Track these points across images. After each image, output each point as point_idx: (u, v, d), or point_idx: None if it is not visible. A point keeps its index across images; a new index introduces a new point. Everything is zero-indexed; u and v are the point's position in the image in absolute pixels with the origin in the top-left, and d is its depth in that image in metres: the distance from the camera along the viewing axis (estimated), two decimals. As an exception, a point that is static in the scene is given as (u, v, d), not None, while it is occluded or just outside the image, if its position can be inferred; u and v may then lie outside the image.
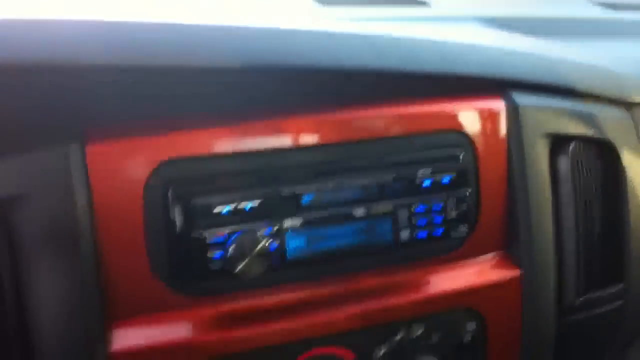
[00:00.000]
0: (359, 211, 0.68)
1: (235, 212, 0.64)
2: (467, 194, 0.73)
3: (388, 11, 1.08)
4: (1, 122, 0.61)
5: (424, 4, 1.16)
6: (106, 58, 0.59)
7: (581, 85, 0.82)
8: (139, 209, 0.63)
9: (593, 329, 0.84)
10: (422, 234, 0.71)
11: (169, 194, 0.63)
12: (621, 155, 0.83)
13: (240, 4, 1.06)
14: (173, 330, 0.65)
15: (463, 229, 0.73)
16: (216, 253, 0.64)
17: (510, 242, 0.77)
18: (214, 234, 0.64)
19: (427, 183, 0.71)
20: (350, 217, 0.68)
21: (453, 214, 0.72)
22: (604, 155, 0.83)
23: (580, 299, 0.81)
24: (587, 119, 0.81)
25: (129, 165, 0.62)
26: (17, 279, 0.61)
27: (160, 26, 0.64)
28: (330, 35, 0.70)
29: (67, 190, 0.60)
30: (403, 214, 0.70)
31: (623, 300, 0.85)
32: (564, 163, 0.79)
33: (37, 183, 0.60)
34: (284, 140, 0.67)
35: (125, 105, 0.64)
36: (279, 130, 0.66)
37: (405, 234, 0.70)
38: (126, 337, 0.63)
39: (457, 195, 0.73)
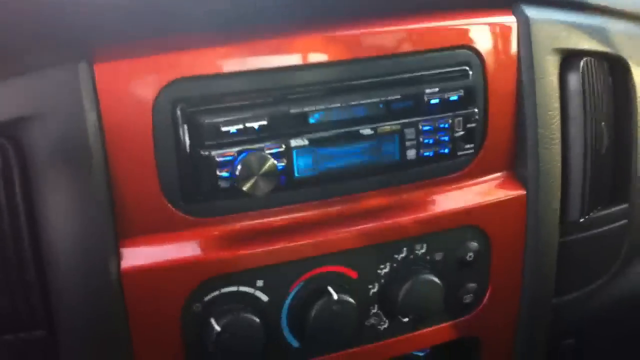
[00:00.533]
0: (366, 130, 0.68)
1: (243, 131, 0.64)
2: (475, 112, 0.73)
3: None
4: (10, 41, 0.60)
5: None
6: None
7: None
8: (148, 127, 0.63)
9: (597, 247, 0.86)
10: (429, 152, 0.71)
11: (177, 113, 0.63)
12: (633, 72, 0.82)
13: None
14: (182, 249, 0.66)
15: (470, 148, 0.73)
16: (224, 172, 0.64)
17: (517, 162, 0.78)
18: (222, 154, 0.64)
19: (434, 101, 0.71)
20: (357, 136, 0.68)
21: (460, 133, 0.72)
22: (615, 72, 0.82)
23: (585, 217, 0.82)
24: (600, 34, 0.80)
25: (137, 83, 0.62)
26: (30, 197, 0.61)
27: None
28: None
29: (77, 108, 0.60)
30: (410, 133, 0.70)
31: (627, 220, 0.86)
32: (574, 79, 0.78)
33: (47, 102, 0.60)
34: (291, 59, 0.66)
35: (133, 24, 0.63)
36: (286, 49, 0.66)
37: (411, 153, 0.70)
38: (137, 255, 0.65)
39: (465, 114, 0.72)
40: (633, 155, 0.84)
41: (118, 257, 0.64)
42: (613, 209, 0.85)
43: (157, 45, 0.63)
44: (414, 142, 0.70)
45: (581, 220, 0.82)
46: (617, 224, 0.86)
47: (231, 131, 0.64)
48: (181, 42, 0.63)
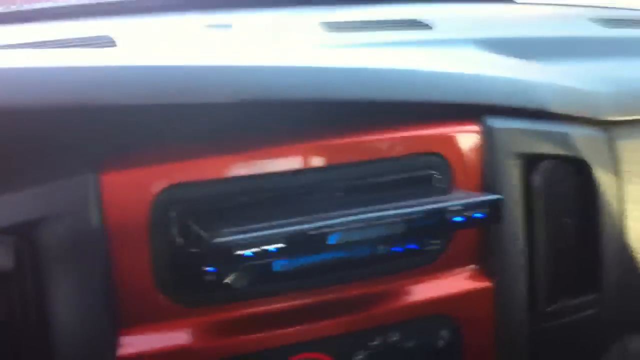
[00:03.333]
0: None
1: None
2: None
3: (391, 35, 1.16)
4: (29, 155, 0.71)
5: (427, 27, 1.23)
6: (116, 99, 0.69)
7: (555, 107, 0.89)
8: (145, 229, 0.72)
9: (568, 336, 0.91)
10: (398, 248, 0.79)
11: (170, 216, 0.72)
12: (595, 173, 0.89)
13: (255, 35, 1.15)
14: (173, 338, 0.73)
15: (436, 244, 0.81)
16: (210, 267, 0.73)
17: (484, 256, 0.85)
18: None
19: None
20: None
21: (428, 230, 0.80)
22: (578, 172, 0.90)
23: (553, 306, 0.88)
24: (561, 139, 0.88)
25: (136, 190, 0.71)
26: (40, 291, 0.70)
27: (166, 69, 0.74)
28: (311, 70, 0.79)
29: (84, 213, 0.70)
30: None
31: (597, 308, 0.91)
32: (536, 180, 0.85)
33: (59, 207, 0.70)
34: (268, 166, 0.75)
35: (134, 138, 0.74)
36: (262, 158, 0.75)
37: (381, 249, 0.78)
38: (132, 344, 0.72)
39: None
40: (599, 249, 0.90)
41: (116, 345, 0.72)
42: (582, 299, 0.91)
43: (153, 157, 0.72)
44: (385, 239, 0.78)
45: (549, 309, 0.87)
46: (587, 312, 0.91)
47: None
48: (172, 155, 0.73)
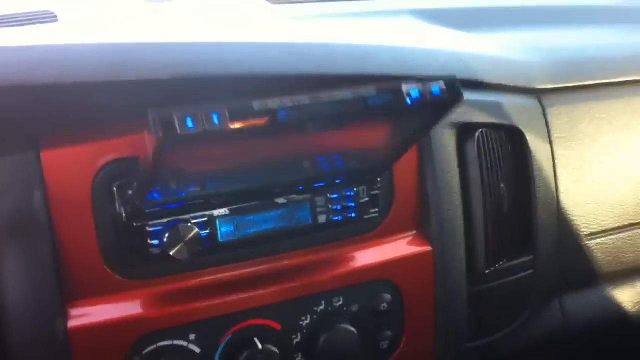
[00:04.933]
0: (281, 199, 0.79)
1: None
2: (378, 181, 0.83)
3: (335, 7, 1.17)
4: None
5: (369, -2, 1.25)
6: (53, 78, 0.70)
7: (488, 77, 0.92)
8: (89, 204, 0.73)
9: (506, 295, 0.95)
10: (338, 217, 0.82)
11: (114, 191, 0.74)
12: (528, 139, 0.93)
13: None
14: (121, 309, 0.75)
15: (375, 212, 0.84)
16: (155, 240, 0.75)
17: (423, 223, 0.88)
18: (152, 224, 0.74)
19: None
20: (273, 205, 0.79)
21: (365, 199, 0.83)
22: (511, 139, 0.93)
23: (491, 269, 0.92)
24: (494, 108, 0.91)
25: (78, 167, 0.73)
26: None
27: (101, 46, 0.75)
28: (250, 46, 0.80)
29: (27, 189, 0.71)
30: (320, 200, 0.80)
31: (533, 269, 0.96)
32: (470, 149, 0.89)
33: (2, 185, 0.71)
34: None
35: (72, 115, 0.74)
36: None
37: (322, 218, 0.81)
38: (82, 316, 0.74)
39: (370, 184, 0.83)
40: (534, 212, 0.94)
41: (65, 317, 0.74)
42: (518, 261, 0.95)
43: (94, 132, 0.73)
44: (325, 208, 0.81)
45: (486, 271, 0.91)
46: (523, 274, 0.96)
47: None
48: (114, 129, 0.74)
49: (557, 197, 0.96)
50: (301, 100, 0.58)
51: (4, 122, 0.72)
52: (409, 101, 0.62)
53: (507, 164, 0.93)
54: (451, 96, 0.63)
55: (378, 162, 0.77)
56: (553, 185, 0.95)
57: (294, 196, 0.79)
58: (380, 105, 0.61)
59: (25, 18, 0.93)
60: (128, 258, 0.75)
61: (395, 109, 0.63)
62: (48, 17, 0.94)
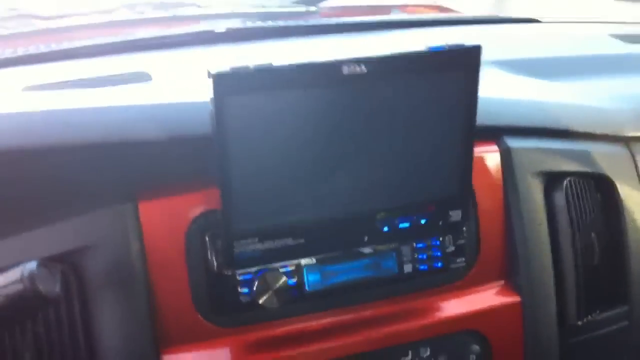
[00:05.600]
0: (367, 249, 0.80)
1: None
2: (464, 231, 0.83)
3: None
4: (74, 188, 0.76)
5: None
6: (150, 135, 0.74)
7: (575, 125, 0.91)
8: (182, 254, 0.76)
9: (599, 349, 0.92)
10: (424, 267, 0.82)
11: (206, 241, 0.76)
12: (618, 187, 0.91)
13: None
14: (211, 356, 0.77)
15: (461, 262, 0.83)
16: (244, 289, 0.77)
17: (511, 272, 0.87)
18: (242, 272, 0.76)
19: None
20: (358, 254, 0.79)
21: (452, 249, 0.82)
22: (600, 188, 0.92)
23: (583, 320, 0.89)
24: (582, 156, 0.90)
25: (172, 218, 0.76)
26: (85, 316, 0.75)
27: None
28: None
29: (125, 240, 0.75)
30: (406, 250, 0.81)
31: (627, 320, 0.92)
32: (558, 197, 0.87)
33: (102, 235, 0.75)
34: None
35: (168, 169, 0.78)
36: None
37: (408, 268, 0.81)
38: (175, 362, 0.77)
39: (456, 233, 0.83)
40: (626, 262, 0.91)
41: None
42: (613, 312, 0.92)
43: (188, 185, 0.77)
44: (410, 257, 0.81)
45: (579, 323, 0.89)
46: (618, 325, 0.92)
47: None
48: (207, 181, 0.77)
49: (650, 246, 0.93)
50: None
51: (105, 176, 0.76)
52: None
53: (597, 213, 0.91)
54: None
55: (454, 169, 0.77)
56: (645, 234, 0.92)
57: (379, 246, 0.80)
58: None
59: (120, 79, 0.99)
60: (218, 306, 0.77)
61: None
62: (142, 77, 0.99)
